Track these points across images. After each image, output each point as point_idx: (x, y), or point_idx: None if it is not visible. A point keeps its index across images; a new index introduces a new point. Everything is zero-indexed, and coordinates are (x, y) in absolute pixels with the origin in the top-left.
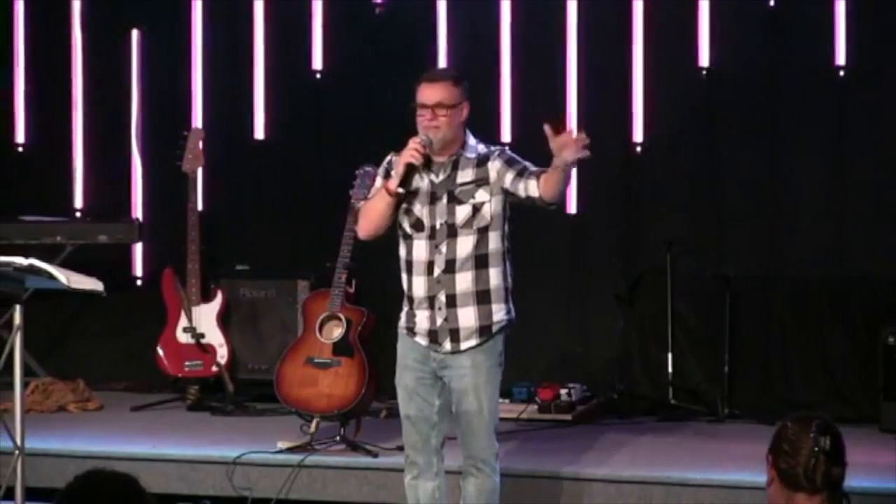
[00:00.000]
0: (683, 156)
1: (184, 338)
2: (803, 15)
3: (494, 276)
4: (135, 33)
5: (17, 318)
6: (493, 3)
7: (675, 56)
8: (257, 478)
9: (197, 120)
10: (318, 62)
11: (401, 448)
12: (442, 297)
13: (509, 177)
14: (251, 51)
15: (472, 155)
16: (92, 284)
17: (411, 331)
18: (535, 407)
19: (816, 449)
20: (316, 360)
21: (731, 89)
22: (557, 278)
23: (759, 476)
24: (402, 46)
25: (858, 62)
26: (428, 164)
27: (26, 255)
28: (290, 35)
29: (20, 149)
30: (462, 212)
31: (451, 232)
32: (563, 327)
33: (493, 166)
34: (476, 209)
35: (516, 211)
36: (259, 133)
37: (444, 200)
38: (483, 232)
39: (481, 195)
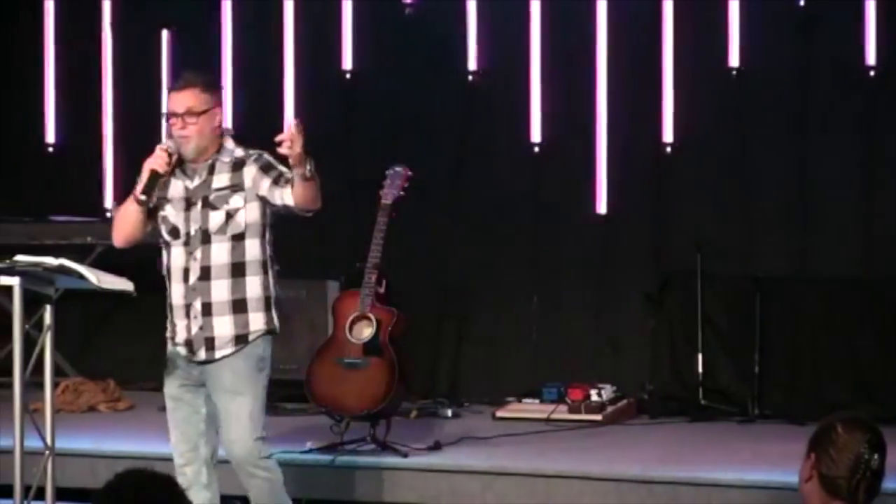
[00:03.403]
0: (713, 156)
1: None
2: (834, 15)
3: (252, 286)
4: (165, 33)
5: (48, 318)
6: (523, 3)
7: (706, 56)
8: (287, 478)
9: (226, 120)
10: (347, 62)
11: (431, 447)
12: (198, 305)
13: (265, 184)
14: (281, 51)
15: (227, 159)
16: (122, 284)
17: (173, 340)
18: (565, 407)
19: (864, 468)
20: (346, 361)
21: (761, 89)
22: (587, 278)
23: (790, 476)
24: (432, 46)
25: (889, 62)
26: (182, 170)
27: (56, 256)
28: (320, 35)
29: (50, 149)
30: (215, 218)
31: (205, 238)
32: (593, 328)
33: (249, 172)
34: (230, 215)
35: (544, 211)
36: None
37: (199, 206)
38: (238, 239)
39: (235, 201)
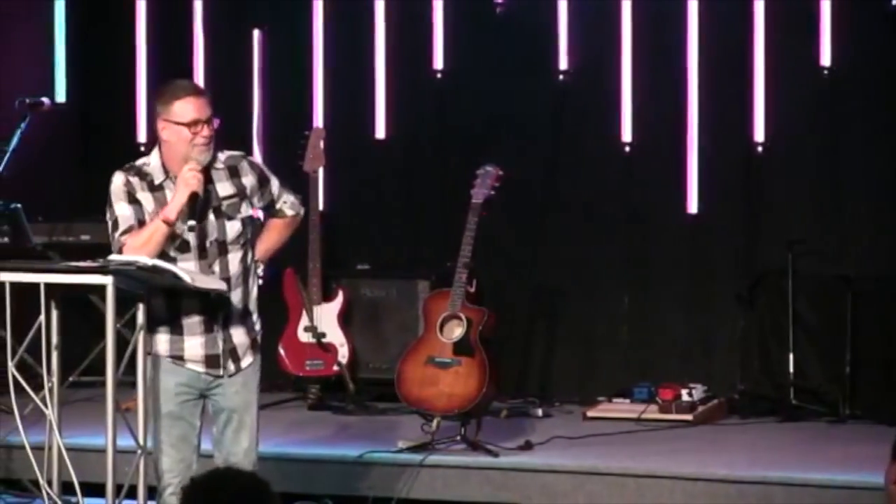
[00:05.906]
0: (805, 155)
1: (305, 337)
2: None
3: (253, 289)
4: (256, 33)
5: (140, 318)
6: (614, 2)
7: (797, 55)
8: (378, 477)
9: (318, 119)
10: (438, 62)
11: (522, 447)
12: (220, 319)
13: (259, 204)
14: (372, 50)
15: (220, 166)
16: (215, 284)
17: (179, 358)
18: (656, 407)
19: None
20: (437, 360)
21: (853, 88)
22: (678, 278)
23: (881, 477)
24: (523, 46)
25: None
26: (175, 183)
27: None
28: (411, 34)
29: (142, 148)
30: (233, 228)
31: (223, 249)
32: (684, 327)
33: (248, 182)
34: (244, 224)
35: (635, 211)
36: (380, 132)
37: (211, 217)
38: (245, 246)
39: (245, 209)
